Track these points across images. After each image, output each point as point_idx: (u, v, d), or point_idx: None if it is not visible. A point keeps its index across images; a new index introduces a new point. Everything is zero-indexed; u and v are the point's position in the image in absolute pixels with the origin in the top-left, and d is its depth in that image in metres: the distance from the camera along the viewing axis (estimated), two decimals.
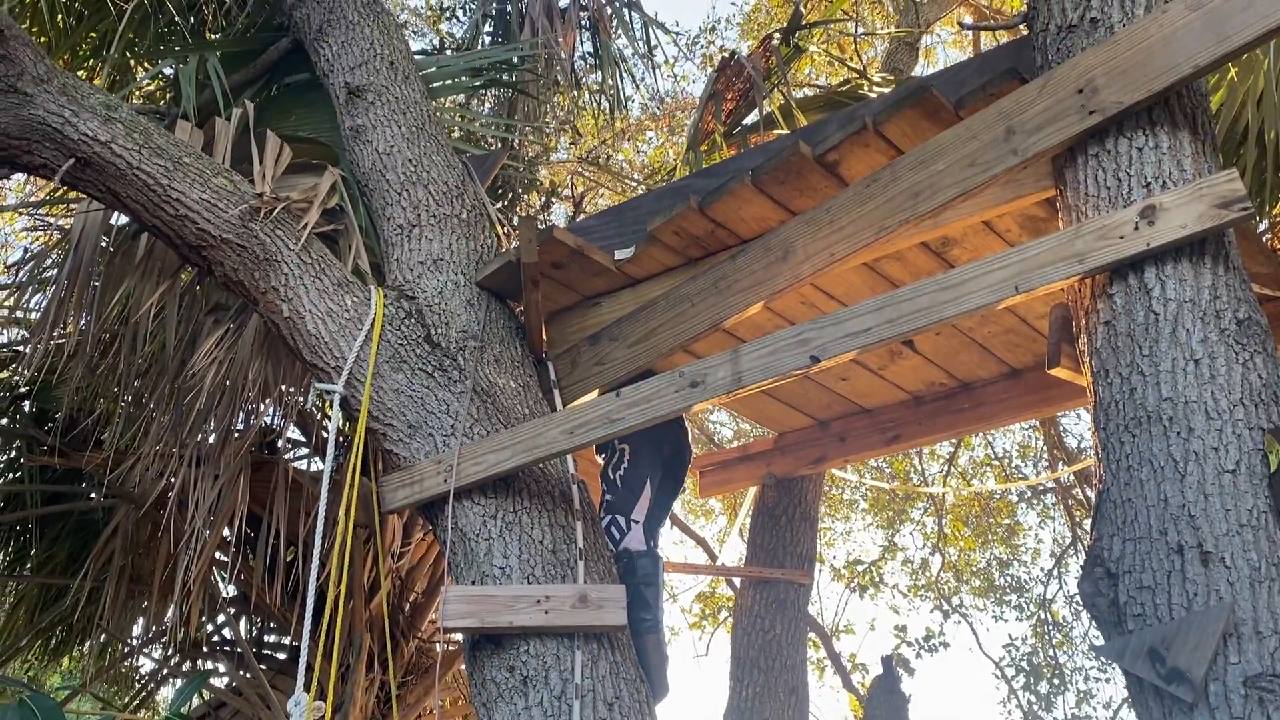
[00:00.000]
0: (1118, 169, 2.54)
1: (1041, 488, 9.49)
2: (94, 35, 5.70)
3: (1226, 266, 2.42)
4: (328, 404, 3.41)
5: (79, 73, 5.95)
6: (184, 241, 3.26)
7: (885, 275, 3.73)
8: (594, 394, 3.51)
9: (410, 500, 3.17)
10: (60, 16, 5.51)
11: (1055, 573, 9.18)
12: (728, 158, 4.02)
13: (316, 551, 3.23)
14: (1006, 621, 9.96)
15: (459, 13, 6.65)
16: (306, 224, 3.44)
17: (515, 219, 5.63)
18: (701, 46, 8.40)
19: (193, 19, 5.49)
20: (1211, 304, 2.38)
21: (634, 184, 7.14)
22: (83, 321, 3.93)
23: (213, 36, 5.58)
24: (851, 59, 7.37)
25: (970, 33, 11.36)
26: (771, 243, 3.15)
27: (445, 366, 3.33)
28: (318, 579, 4.25)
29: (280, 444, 5.03)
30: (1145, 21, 2.52)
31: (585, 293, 3.69)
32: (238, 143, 3.95)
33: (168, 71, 5.61)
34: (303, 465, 5.66)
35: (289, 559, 5.46)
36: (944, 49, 11.75)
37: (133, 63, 5.75)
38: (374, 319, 3.37)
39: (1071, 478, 8.90)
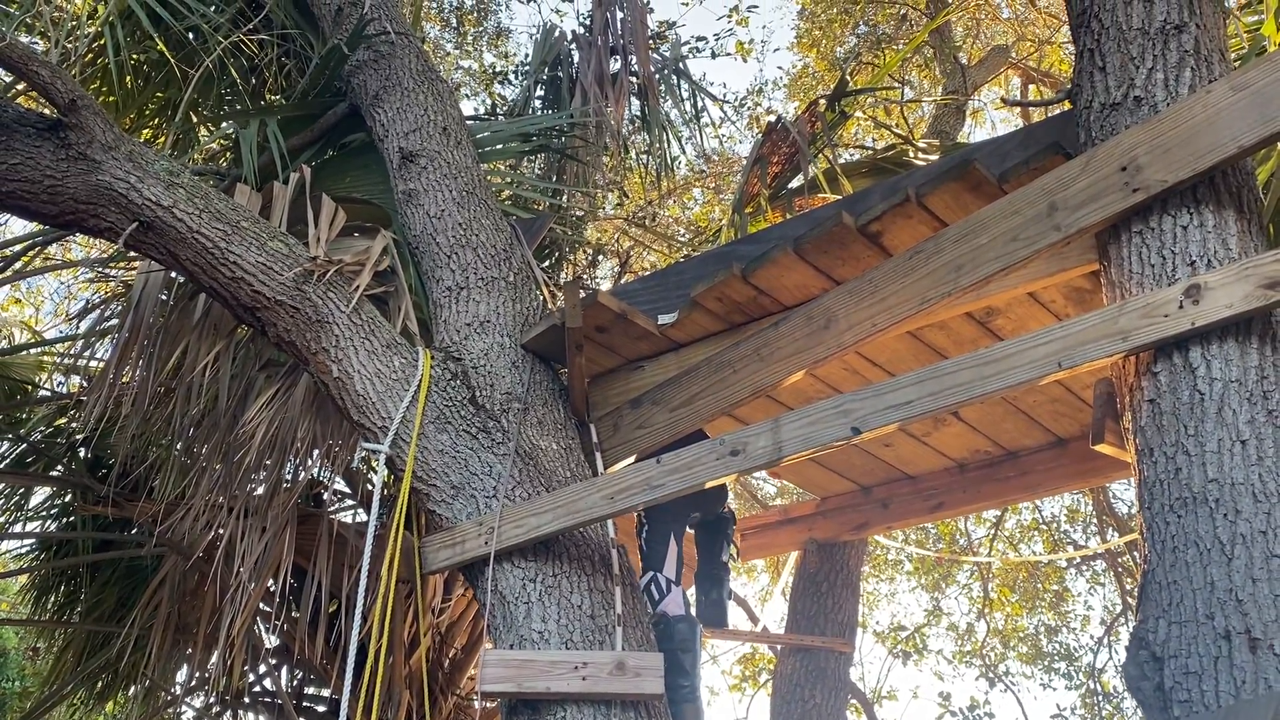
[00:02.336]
0: (1162, 246, 2.54)
1: (1091, 559, 9.29)
2: (160, 95, 5.91)
3: (1274, 346, 2.40)
4: (374, 462, 3.47)
5: (144, 131, 6.17)
6: (239, 302, 3.36)
7: (929, 343, 3.73)
8: (632, 458, 3.53)
9: (451, 561, 3.20)
10: (129, 79, 5.73)
11: (1105, 641, 8.96)
12: (771, 225, 4.06)
13: (359, 606, 3.27)
14: (1055, 690, 9.71)
15: (511, 76, 6.82)
16: (358, 286, 3.52)
17: (562, 279, 5.70)
18: (749, 108, 8.52)
19: (254, 80, 5.69)
20: (1259, 384, 2.36)
21: (680, 244, 7.21)
22: (139, 372, 4.04)
23: (273, 98, 5.77)
24: (898, 123, 7.41)
25: (1019, 95, 11.38)
26: (814, 311, 3.17)
27: (489, 428, 3.37)
28: (360, 633, 4.28)
29: (326, 498, 5.09)
30: (1189, 101, 2.53)
31: (628, 356, 3.73)
32: (294, 204, 4.07)
33: (233, 127, 5.80)
34: (348, 518, 5.73)
35: (331, 611, 5.50)
36: (992, 111, 11.78)
37: (196, 121, 5.95)
38: (420, 380, 3.43)
39: (1122, 544, 8.71)
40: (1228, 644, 2.17)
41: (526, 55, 7.84)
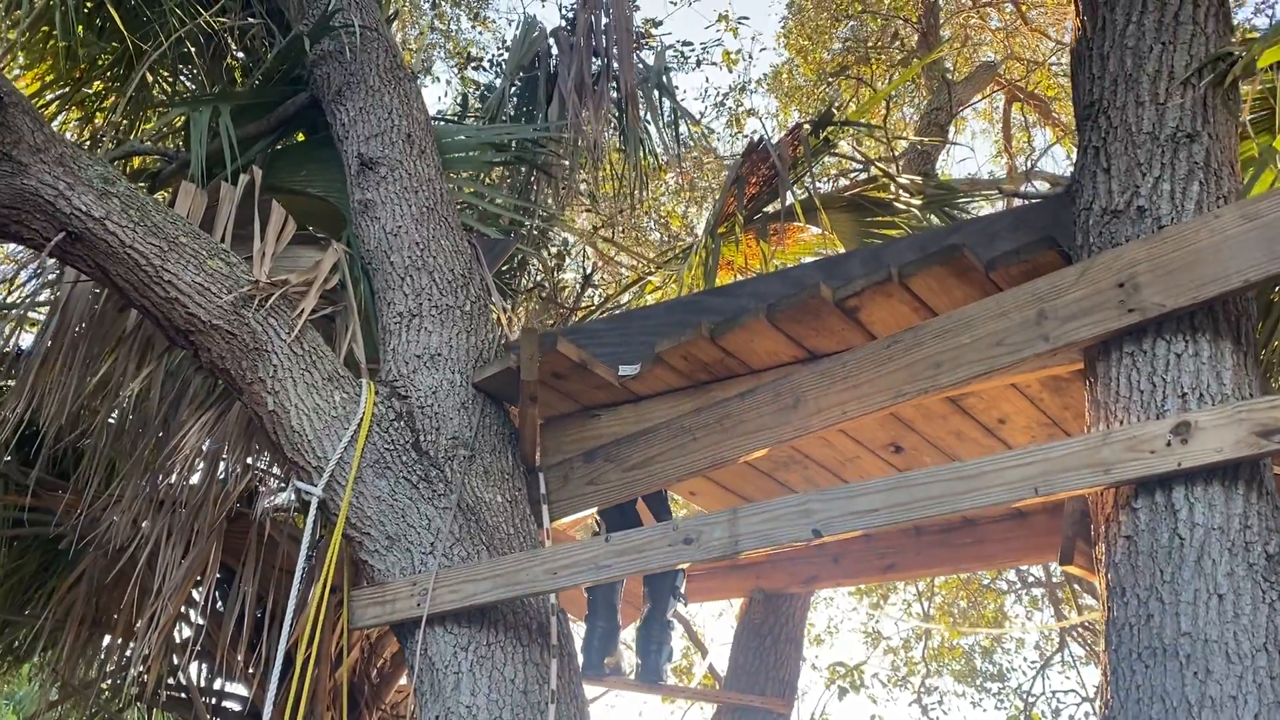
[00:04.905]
0: (1153, 373, 2.41)
1: (1032, 579, 9.33)
2: (114, 47, 5.59)
3: (1260, 493, 2.29)
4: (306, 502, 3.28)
5: (96, 84, 5.85)
6: (171, 324, 3.14)
7: (896, 412, 3.59)
8: (579, 514, 3.39)
9: (380, 620, 3.04)
10: (79, 28, 5.40)
11: (1042, 674, 9.02)
12: (744, 279, 3.90)
13: (285, 632, 3.13)
14: (984, 710, 9.79)
15: (485, 64, 6.54)
16: (302, 311, 3.31)
17: (521, 289, 5.50)
18: (729, 108, 8.30)
19: (212, 47, 5.38)
20: (1241, 534, 2.25)
21: (646, 260, 7.00)
22: (66, 377, 3.79)
23: (232, 60, 5.46)
24: (875, 152, 7.24)
25: (1001, 106, 11.27)
26: (782, 389, 3.01)
27: (431, 477, 3.19)
28: (286, 646, 4.10)
29: (258, 503, 4.87)
30: (1195, 223, 2.39)
31: (585, 403, 3.56)
32: (244, 203, 3.83)
33: (192, 84, 5.50)
34: (282, 502, 5.51)
35: (258, 613, 5.31)
36: (974, 118, 11.65)
37: (151, 80, 5.64)
38: (362, 419, 3.24)
39: (1060, 574, 8.74)
40: None
41: (504, 40, 7.56)
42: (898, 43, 8.38)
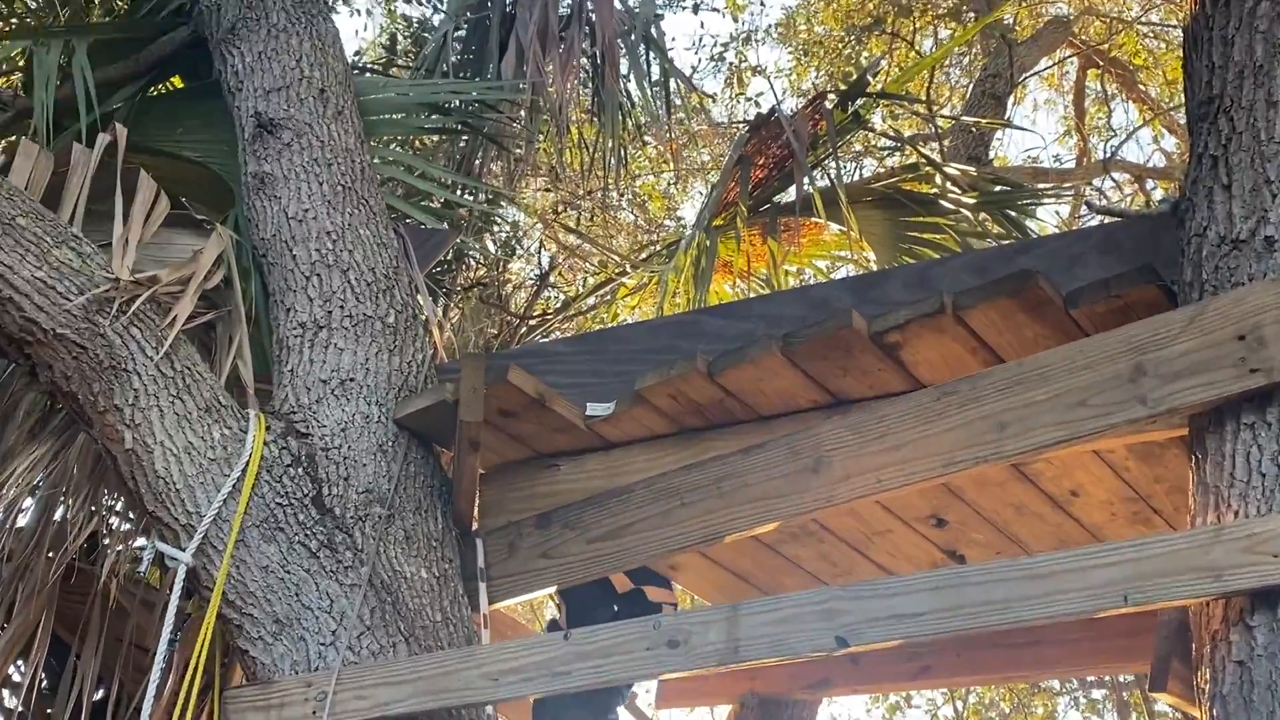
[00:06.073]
0: (1278, 452, 2.40)
1: (1092, 679, 9.41)
2: None
3: None
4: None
5: None
6: (1, 331, 3.06)
7: None
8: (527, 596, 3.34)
9: None
10: None
11: None
12: (753, 298, 3.89)
13: None
14: None
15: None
16: (175, 319, 3.25)
17: (457, 287, 5.45)
18: (731, 63, 8.30)
19: None
20: None
21: (618, 256, 6.98)
22: None
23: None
24: (929, 107, 7.27)
25: (1073, 74, 11.39)
26: (800, 445, 2.98)
27: (335, 544, 3.14)
28: None
29: (103, 559, 4.79)
30: None
31: (540, 449, 3.52)
32: (104, 168, 3.76)
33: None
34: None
35: (100, 698, 5.23)
36: (1038, 87, 11.76)
37: None
38: (248, 462, 3.18)
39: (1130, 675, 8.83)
40: None
41: None
42: None
